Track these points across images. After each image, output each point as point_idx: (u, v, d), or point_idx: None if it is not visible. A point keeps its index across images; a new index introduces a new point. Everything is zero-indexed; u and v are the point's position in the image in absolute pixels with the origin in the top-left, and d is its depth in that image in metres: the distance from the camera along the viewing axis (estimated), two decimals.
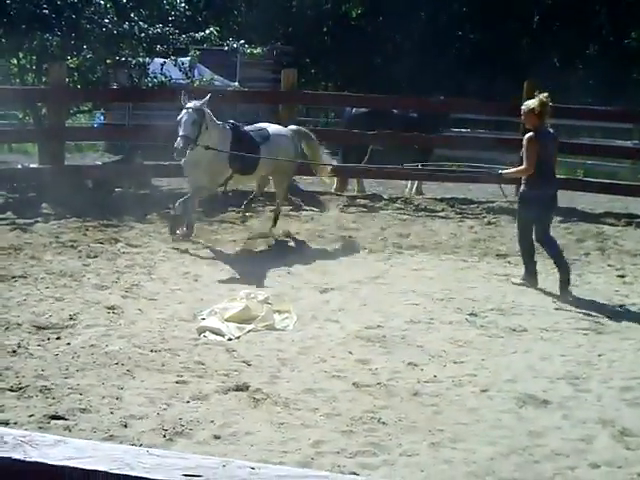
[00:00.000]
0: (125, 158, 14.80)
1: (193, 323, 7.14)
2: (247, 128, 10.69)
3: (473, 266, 9.84)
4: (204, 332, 6.88)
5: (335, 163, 12.28)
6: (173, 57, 15.00)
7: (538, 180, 8.53)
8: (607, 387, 5.95)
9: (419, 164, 12.13)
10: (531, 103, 8.64)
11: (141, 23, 14.19)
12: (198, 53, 16.19)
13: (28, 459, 1.65)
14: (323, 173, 11.77)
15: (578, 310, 8.03)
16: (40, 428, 4.70)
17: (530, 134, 8.60)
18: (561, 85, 24.81)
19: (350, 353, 6.50)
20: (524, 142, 8.66)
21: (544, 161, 8.56)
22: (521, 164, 8.88)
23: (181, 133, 9.54)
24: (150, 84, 14.50)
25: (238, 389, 5.57)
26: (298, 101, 15.67)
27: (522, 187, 8.80)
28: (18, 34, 13.59)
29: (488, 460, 4.64)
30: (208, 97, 9.81)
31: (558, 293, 8.56)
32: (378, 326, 7.18)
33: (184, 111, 9.68)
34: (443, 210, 13.00)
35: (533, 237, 8.81)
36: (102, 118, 22.13)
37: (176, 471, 1.61)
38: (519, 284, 8.88)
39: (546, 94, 8.60)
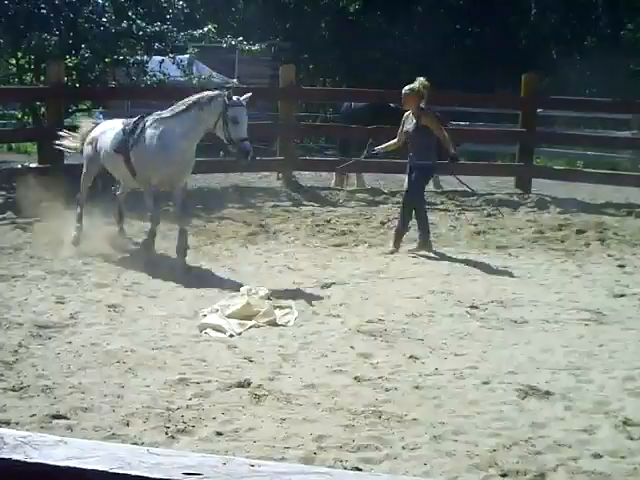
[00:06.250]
0: None
1: (194, 320, 7.14)
2: None
3: (473, 258, 9.84)
4: (205, 329, 6.88)
5: None
6: (171, 55, 14.98)
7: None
8: (609, 377, 5.95)
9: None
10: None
11: (139, 21, 14.20)
12: (196, 50, 16.20)
13: (29, 460, 1.65)
14: None
15: (579, 301, 8.03)
16: (42, 428, 4.71)
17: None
18: (559, 77, 24.85)
19: (351, 347, 6.50)
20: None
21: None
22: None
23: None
24: (149, 82, 14.50)
25: (240, 385, 5.57)
26: (297, 97, 15.67)
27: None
28: (16, 34, 13.62)
29: (491, 452, 4.64)
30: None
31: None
32: (379, 320, 7.18)
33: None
34: (442, 203, 13.00)
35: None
36: (101, 117, 22.14)
37: (176, 469, 1.62)
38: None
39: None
